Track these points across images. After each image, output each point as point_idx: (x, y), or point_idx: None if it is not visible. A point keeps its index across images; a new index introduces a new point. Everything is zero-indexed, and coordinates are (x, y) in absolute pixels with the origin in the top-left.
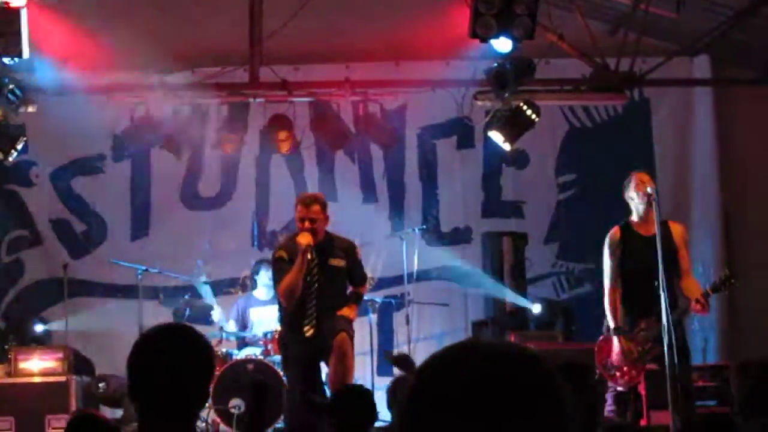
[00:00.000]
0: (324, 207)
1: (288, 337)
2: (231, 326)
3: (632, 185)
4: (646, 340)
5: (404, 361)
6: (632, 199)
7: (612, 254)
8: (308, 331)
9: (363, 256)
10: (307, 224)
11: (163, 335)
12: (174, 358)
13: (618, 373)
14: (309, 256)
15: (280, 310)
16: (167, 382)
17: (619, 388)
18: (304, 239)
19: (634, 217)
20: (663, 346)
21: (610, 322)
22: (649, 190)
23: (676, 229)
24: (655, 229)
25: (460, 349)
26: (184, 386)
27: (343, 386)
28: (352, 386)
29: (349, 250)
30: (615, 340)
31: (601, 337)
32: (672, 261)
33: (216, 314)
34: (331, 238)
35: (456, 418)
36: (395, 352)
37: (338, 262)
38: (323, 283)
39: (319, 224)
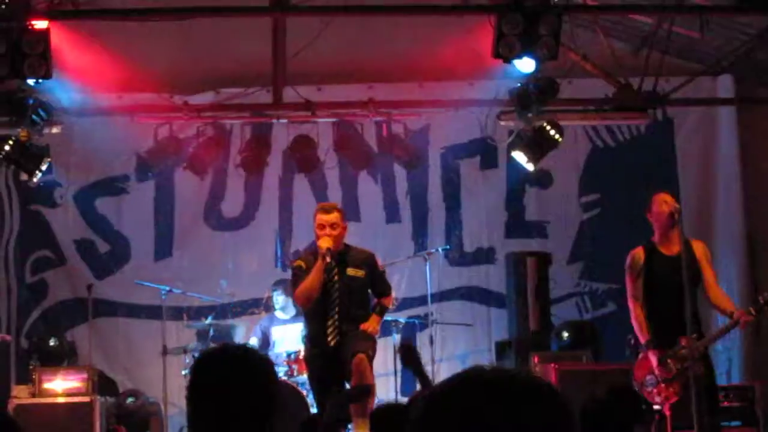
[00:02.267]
0: (342, 216)
1: (312, 352)
2: (254, 346)
3: (655, 206)
4: (685, 359)
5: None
6: (656, 220)
7: (636, 274)
8: (332, 342)
9: (387, 276)
10: (327, 230)
11: (229, 352)
12: (242, 375)
13: (655, 390)
14: (328, 259)
15: (305, 325)
16: (237, 399)
17: (656, 407)
18: (324, 243)
19: (657, 238)
20: (702, 365)
21: (641, 337)
22: (672, 209)
23: (698, 246)
24: (679, 247)
25: (463, 383)
26: (252, 403)
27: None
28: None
29: (368, 260)
30: (652, 357)
31: (640, 355)
32: (697, 279)
33: (239, 335)
34: (350, 249)
35: None
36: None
37: (357, 272)
38: (343, 293)
39: (338, 232)
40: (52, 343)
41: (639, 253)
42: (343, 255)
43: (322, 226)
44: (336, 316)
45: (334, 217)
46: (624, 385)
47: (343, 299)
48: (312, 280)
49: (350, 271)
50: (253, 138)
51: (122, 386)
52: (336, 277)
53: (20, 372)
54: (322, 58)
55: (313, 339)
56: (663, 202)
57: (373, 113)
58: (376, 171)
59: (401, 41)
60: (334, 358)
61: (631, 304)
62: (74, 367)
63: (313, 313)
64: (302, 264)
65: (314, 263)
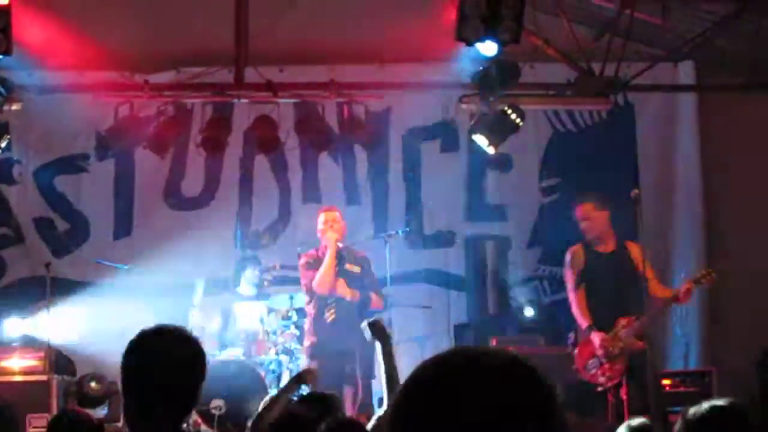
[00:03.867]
0: (341, 217)
1: (314, 340)
2: (214, 325)
3: (590, 216)
4: (626, 337)
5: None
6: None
7: (574, 268)
8: (330, 317)
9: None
10: (334, 226)
11: (162, 335)
12: (171, 359)
13: (599, 371)
14: (340, 245)
15: (310, 309)
16: (162, 383)
17: (599, 388)
18: (333, 235)
19: (591, 238)
20: (641, 343)
21: (583, 322)
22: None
23: (633, 248)
24: (614, 246)
25: (449, 362)
26: (177, 388)
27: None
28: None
29: (363, 260)
30: (595, 338)
31: (579, 343)
32: (632, 276)
33: (195, 314)
34: (347, 248)
35: None
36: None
37: (353, 268)
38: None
39: (340, 228)
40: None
41: (577, 251)
42: (341, 252)
43: (327, 222)
44: (334, 300)
45: (335, 216)
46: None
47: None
48: (328, 267)
49: (348, 266)
50: (214, 118)
51: (79, 365)
52: (337, 270)
53: None
54: (285, 38)
55: (314, 325)
56: (592, 209)
57: (334, 95)
58: (336, 153)
59: (364, 23)
60: (331, 329)
61: (572, 295)
62: (32, 346)
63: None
64: (310, 259)
65: (320, 260)
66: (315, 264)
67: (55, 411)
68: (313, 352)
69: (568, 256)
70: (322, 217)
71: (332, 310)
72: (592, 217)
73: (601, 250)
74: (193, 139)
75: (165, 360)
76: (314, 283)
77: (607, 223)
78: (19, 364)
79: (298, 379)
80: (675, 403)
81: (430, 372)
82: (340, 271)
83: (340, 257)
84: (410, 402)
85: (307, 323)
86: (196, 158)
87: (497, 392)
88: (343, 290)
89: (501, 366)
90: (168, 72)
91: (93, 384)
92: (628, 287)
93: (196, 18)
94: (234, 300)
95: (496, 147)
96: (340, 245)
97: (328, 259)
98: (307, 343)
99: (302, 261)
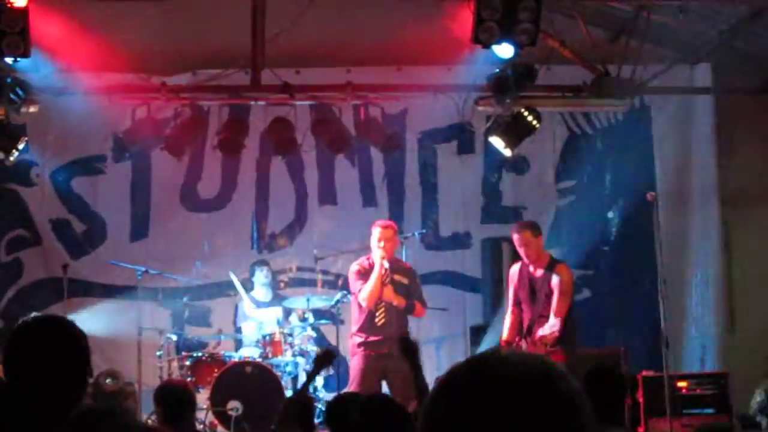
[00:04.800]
0: (396, 233)
1: (362, 340)
2: (229, 328)
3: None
4: None
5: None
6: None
7: (515, 285)
8: (380, 321)
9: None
10: (384, 244)
11: (38, 326)
12: (48, 349)
13: None
14: (386, 265)
15: (358, 320)
16: (42, 373)
17: None
18: (381, 253)
19: (525, 258)
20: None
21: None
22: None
23: (560, 274)
24: (541, 271)
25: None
26: (58, 377)
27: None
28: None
29: (410, 273)
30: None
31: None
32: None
33: (215, 316)
34: (397, 260)
35: None
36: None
37: (402, 279)
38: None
39: (391, 245)
40: None
41: (515, 269)
42: (392, 264)
43: (380, 240)
44: (383, 307)
45: (390, 233)
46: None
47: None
48: (374, 283)
49: (396, 277)
50: (230, 120)
51: (96, 366)
52: (387, 282)
53: None
54: (301, 40)
55: (363, 328)
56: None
57: (351, 97)
58: (353, 154)
59: (380, 25)
60: (381, 332)
61: (510, 308)
62: None
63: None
64: (360, 269)
65: (369, 270)
66: (365, 274)
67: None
68: (362, 351)
69: (510, 273)
70: (376, 233)
71: (382, 313)
72: (529, 244)
73: (534, 272)
74: (209, 141)
75: (43, 349)
76: (360, 297)
77: (541, 247)
78: None
79: (324, 360)
80: (692, 405)
81: (464, 375)
82: (389, 281)
83: (389, 268)
84: (443, 406)
85: (356, 323)
86: (213, 160)
87: (532, 394)
88: (390, 296)
89: (533, 368)
90: (185, 74)
91: (108, 381)
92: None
93: (212, 20)
94: (249, 304)
95: (512, 149)
96: (386, 264)
97: (375, 277)
98: (358, 339)
99: (354, 268)
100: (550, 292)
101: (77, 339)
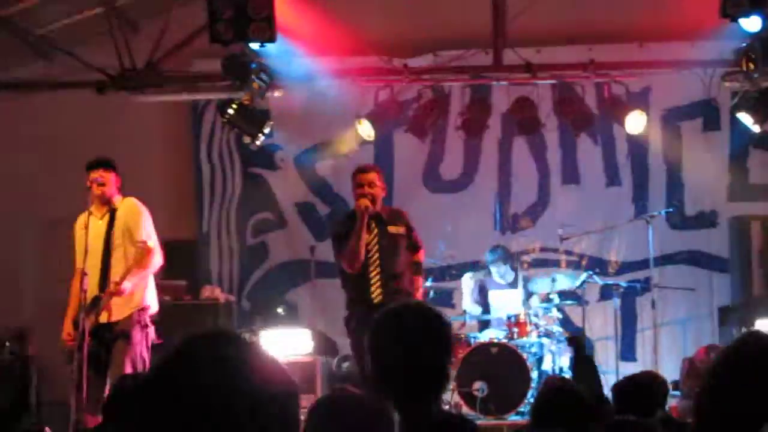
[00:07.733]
0: (380, 176)
1: (354, 313)
2: (473, 309)
3: None
4: None
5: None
6: None
7: None
8: (376, 298)
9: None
10: (366, 189)
11: (403, 314)
12: (414, 338)
13: None
14: (370, 208)
15: (345, 287)
16: (408, 363)
17: None
18: (363, 202)
19: None
20: None
21: None
22: None
23: None
24: None
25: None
26: (423, 366)
27: None
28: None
29: (403, 216)
30: None
31: None
32: None
33: (459, 297)
34: (387, 208)
35: None
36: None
37: (398, 229)
38: (385, 251)
39: (376, 192)
40: (273, 304)
41: None
42: (383, 215)
43: (360, 185)
44: (378, 274)
45: (371, 177)
46: None
47: (384, 258)
48: (355, 240)
49: (392, 229)
50: (473, 100)
51: (342, 347)
52: (376, 239)
53: (242, 332)
54: (542, 19)
55: (355, 299)
56: None
57: (593, 75)
58: (595, 133)
59: (621, 2)
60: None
61: None
62: (297, 328)
63: (355, 275)
64: (341, 230)
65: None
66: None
67: (320, 392)
68: None
69: None
70: (356, 178)
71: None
72: None
73: None
74: (452, 122)
75: (409, 338)
76: (341, 256)
77: None
78: (285, 346)
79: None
80: None
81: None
82: (383, 237)
83: (381, 221)
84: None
85: None
86: (455, 141)
87: None
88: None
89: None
90: (426, 56)
91: (346, 365)
92: None
93: (453, 1)
94: (490, 288)
95: (761, 125)
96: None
97: (357, 230)
98: None
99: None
100: None
101: (443, 329)
